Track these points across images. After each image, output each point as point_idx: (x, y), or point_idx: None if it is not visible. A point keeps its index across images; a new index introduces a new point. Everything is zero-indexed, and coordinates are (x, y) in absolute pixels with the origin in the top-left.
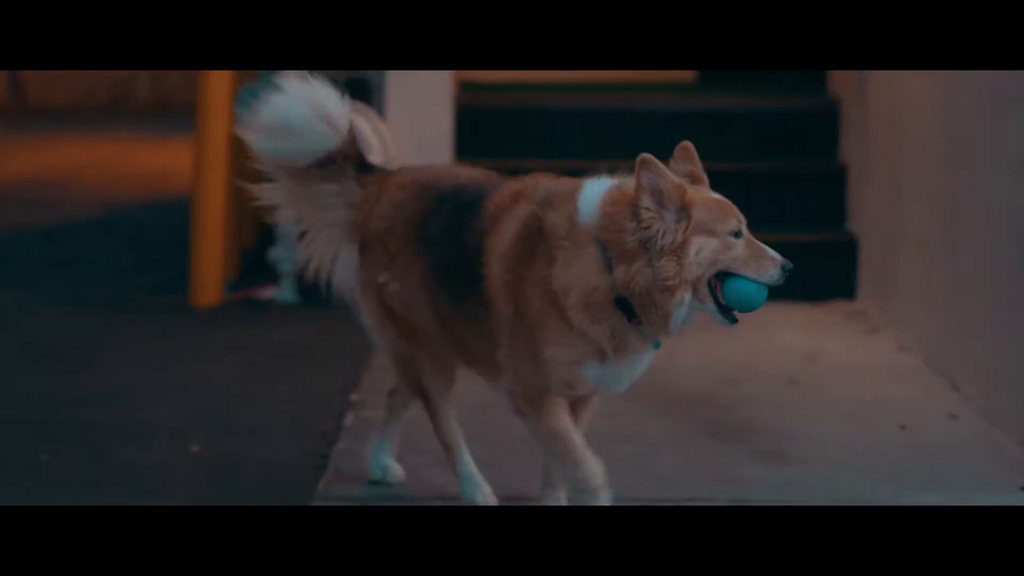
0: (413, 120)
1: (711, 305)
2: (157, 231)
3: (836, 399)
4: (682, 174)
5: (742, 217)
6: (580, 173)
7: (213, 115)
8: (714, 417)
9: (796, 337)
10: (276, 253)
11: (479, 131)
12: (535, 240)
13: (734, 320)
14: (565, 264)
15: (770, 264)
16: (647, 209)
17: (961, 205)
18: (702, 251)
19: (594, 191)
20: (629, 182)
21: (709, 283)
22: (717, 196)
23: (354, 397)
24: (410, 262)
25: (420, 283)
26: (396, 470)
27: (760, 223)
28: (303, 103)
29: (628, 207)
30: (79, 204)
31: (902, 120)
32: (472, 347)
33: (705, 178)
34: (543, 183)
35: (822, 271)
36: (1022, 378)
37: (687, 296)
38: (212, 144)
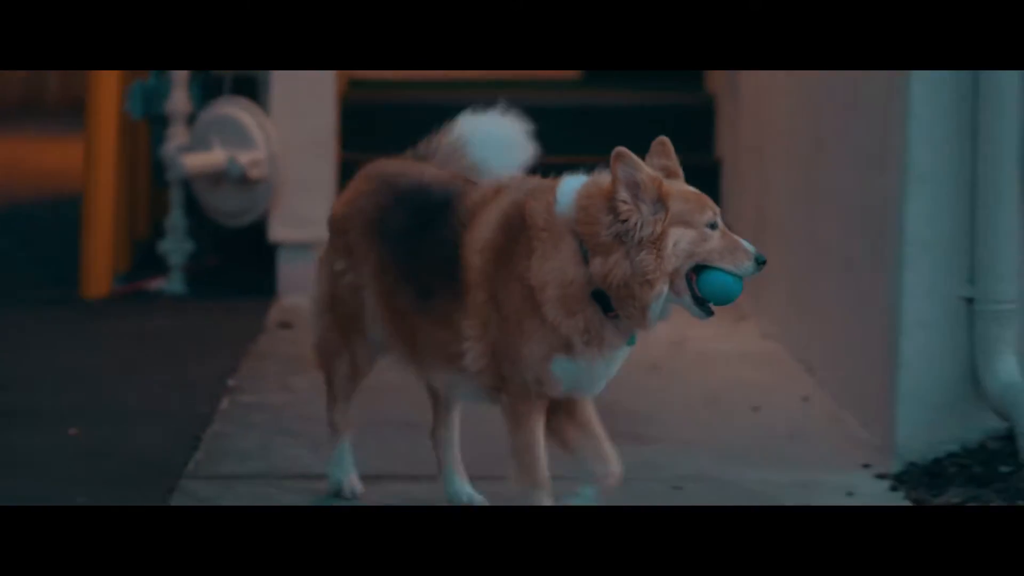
0: (297, 117)
1: (687, 298)
2: (53, 226)
3: (695, 383)
4: (657, 168)
5: (717, 209)
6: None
7: (102, 111)
8: None
9: (663, 326)
10: (166, 245)
11: (366, 127)
12: (517, 231)
13: (710, 312)
14: (542, 257)
15: (744, 256)
16: (624, 202)
17: (820, 198)
18: (680, 243)
19: (572, 184)
20: (606, 176)
21: (686, 276)
22: (693, 189)
23: (231, 383)
24: (366, 254)
25: (372, 276)
26: (473, 495)
27: None
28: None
29: (604, 200)
30: None
31: (769, 116)
32: (427, 342)
33: (680, 172)
34: (526, 179)
35: None
36: (870, 363)
37: (665, 288)
38: (101, 139)
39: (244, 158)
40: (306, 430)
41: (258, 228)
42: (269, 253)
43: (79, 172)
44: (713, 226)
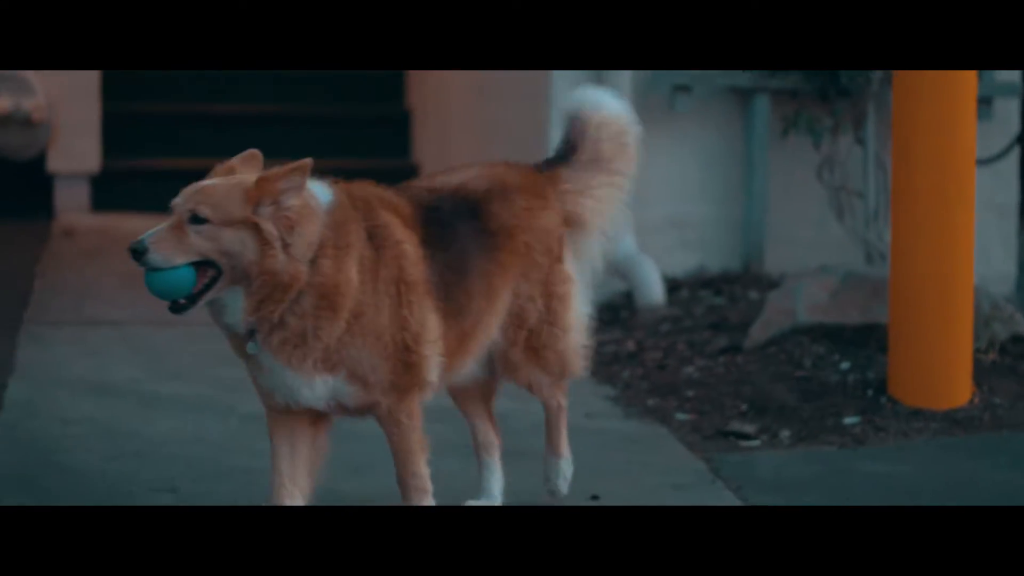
0: (69, 73)
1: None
2: None
3: None
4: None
5: (178, 199)
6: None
7: None
8: None
9: None
10: None
11: (128, 80)
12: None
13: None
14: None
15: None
16: None
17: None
18: None
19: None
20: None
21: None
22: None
23: (37, 271)
24: None
25: None
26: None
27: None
28: None
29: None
30: None
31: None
32: None
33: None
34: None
35: None
36: None
37: None
38: None
39: (28, 104)
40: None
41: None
42: (45, 183)
43: None
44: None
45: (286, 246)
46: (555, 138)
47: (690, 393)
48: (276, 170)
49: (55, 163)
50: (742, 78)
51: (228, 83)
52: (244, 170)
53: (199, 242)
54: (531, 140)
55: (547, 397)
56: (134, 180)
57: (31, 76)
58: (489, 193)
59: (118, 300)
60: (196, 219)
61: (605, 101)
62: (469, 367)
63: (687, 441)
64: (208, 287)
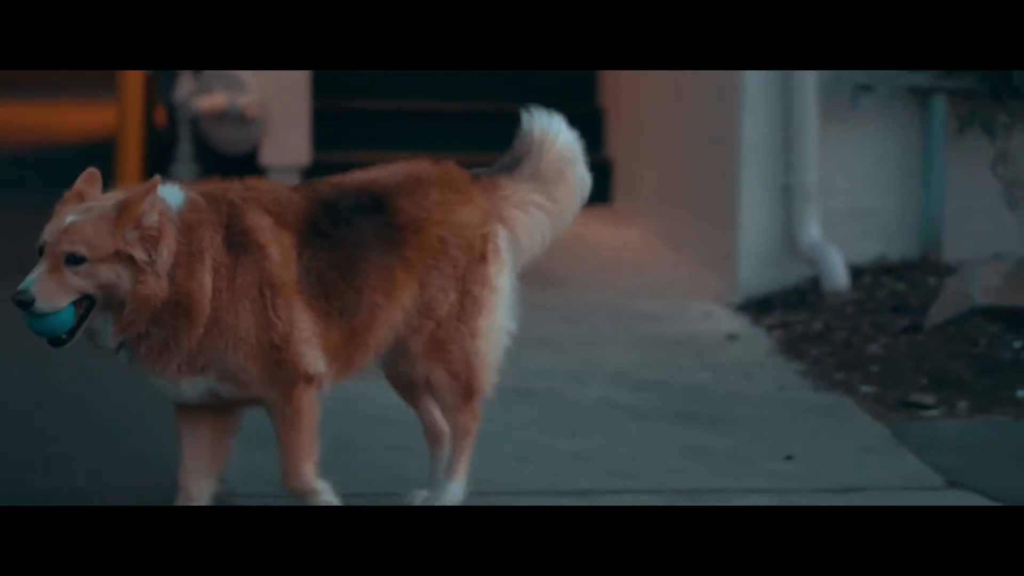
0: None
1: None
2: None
3: (598, 259)
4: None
5: (47, 236)
6: None
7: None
8: None
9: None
10: (176, 169)
11: (335, 78)
12: None
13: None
14: None
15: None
16: None
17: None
18: None
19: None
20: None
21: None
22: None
23: None
24: None
25: None
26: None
27: None
28: None
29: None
30: None
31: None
32: None
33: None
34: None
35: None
36: (720, 234)
37: None
38: (130, 94)
39: (242, 101)
40: None
41: (250, 156)
42: (258, 175)
43: (102, 126)
44: (39, 252)
45: (153, 265)
46: (745, 135)
47: (874, 368)
48: (133, 194)
49: (267, 157)
50: (920, 79)
51: (428, 81)
52: (90, 193)
53: (78, 281)
54: (721, 136)
55: (453, 415)
56: (342, 173)
57: (245, 75)
58: (399, 187)
59: None
60: (73, 259)
61: (557, 129)
62: (370, 360)
63: (872, 411)
64: (83, 319)
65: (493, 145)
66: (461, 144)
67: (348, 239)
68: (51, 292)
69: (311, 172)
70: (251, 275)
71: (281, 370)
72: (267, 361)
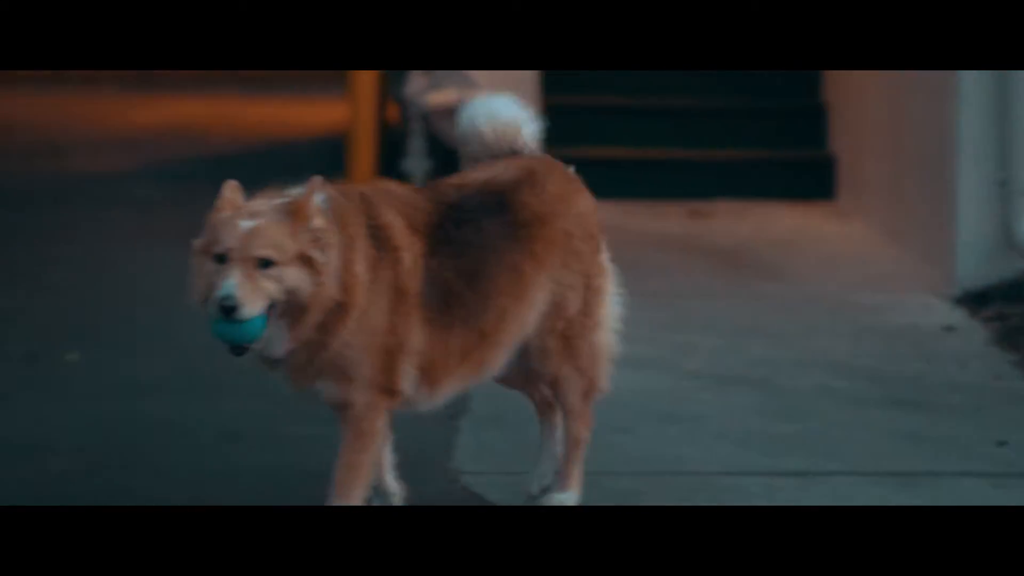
0: None
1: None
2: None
3: (819, 253)
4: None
5: (225, 240)
6: None
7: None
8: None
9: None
10: (409, 162)
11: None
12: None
13: (236, 352)
14: None
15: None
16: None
17: (905, 130)
18: None
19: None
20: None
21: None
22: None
23: None
24: None
25: None
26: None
27: None
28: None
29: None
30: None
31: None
32: None
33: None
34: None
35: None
36: (940, 230)
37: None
38: (362, 91)
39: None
40: None
41: None
42: None
43: (332, 123)
44: (219, 259)
45: (327, 266)
46: (963, 131)
47: None
48: (302, 196)
49: None
50: None
51: (653, 79)
52: (239, 201)
53: (270, 286)
54: (939, 132)
55: (571, 422)
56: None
57: (475, 73)
58: (518, 183)
59: None
60: (264, 263)
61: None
62: (504, 359)
63: None
64: (267, 327)
65: (719, 141)
66: (680, 140)
67: (474, 242)
68: (252, 297)
69: None
70: (388, 273)
71: (378, 376)
72: (374, 363)
